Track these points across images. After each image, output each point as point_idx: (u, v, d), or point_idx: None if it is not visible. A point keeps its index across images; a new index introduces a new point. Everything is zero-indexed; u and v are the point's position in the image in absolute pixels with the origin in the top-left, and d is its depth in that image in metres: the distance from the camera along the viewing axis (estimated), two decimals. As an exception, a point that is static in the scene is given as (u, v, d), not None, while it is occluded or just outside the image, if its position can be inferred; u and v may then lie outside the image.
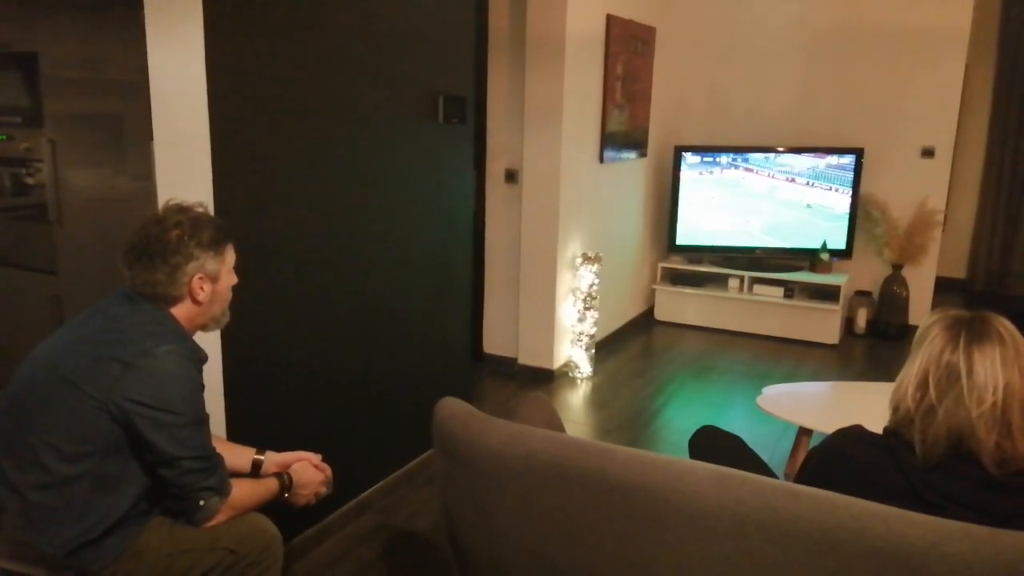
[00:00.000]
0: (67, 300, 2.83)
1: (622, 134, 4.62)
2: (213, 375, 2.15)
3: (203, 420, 1.60)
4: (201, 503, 1.59)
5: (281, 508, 1.86)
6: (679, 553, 1.41)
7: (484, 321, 4.39)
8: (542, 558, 1.58)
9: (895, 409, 1.42)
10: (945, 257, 5.49)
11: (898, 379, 1.44)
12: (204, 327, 1.73)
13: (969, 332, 1.34)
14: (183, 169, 2.08)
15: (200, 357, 1.64)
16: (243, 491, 1.69)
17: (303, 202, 2.42)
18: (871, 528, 1.24)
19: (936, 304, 5.25)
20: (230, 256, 1.71)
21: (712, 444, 2.03)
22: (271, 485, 1.79)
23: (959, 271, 6.69)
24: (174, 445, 1.52)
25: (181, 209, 1.65)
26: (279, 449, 1.98)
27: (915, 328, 5.09)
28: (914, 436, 1.35)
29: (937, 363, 1.35)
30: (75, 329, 1.62)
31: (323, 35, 2.39)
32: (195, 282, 1.62)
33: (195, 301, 1.64)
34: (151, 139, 2.12)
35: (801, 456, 2.82)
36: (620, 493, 1.44)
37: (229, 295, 1.74)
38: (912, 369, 1.39)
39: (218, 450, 1.65)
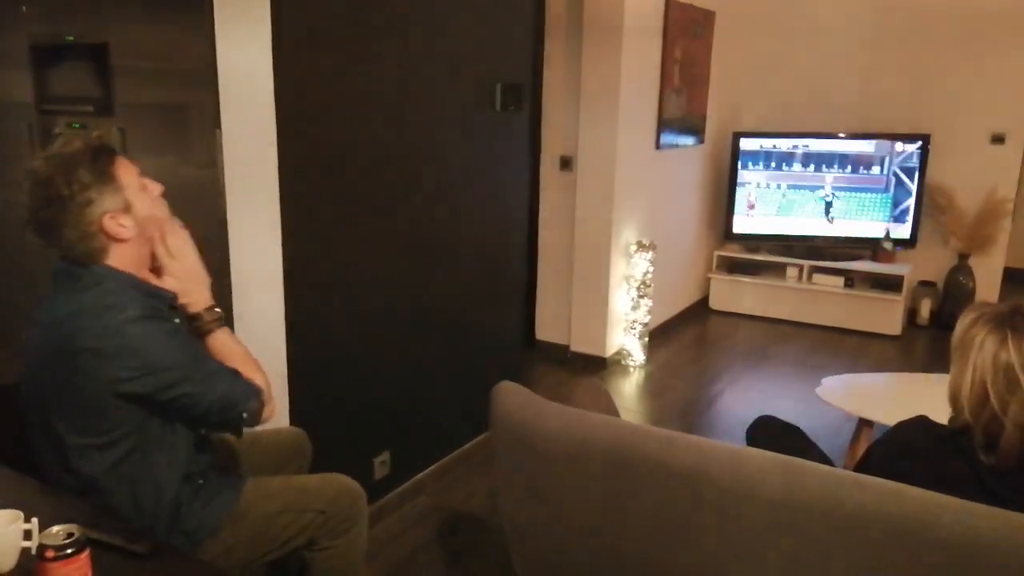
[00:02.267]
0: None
1: (679, 119, 4.56)
2: (277, 361, 2.21)
3: (196, 355, 1.50)
4: (244, 415, 1.54)
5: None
6: (740, 542, 1.40)
7: (537, 307, 4.40)
8: (599, 542, 1.59)
9: (954, 405, 1.39)
10: (1013, 247, 5.28)
11: (951, 386, 1.40)
12: (163, 256, 1.55)
13: (1016, 331, 1.31)
14: (250, 157, 2.13)
15: (155, 304, 1.49)
16: (252, 372, 1.59)
17: (364, 190, 2.46)
18: (939, 519, 1.22)
19: (1005, 296, 5.07)
20: (126, 172, 1.47)
21: (771, 434, 2.00)
22: (225, 337, 1.63)
23: (1028, 262, 6.43)
24: (186, 393, 1.46)
25: (48, 156, 1.43)
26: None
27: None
28: (979, 441, 1.32)
29: (992, 370, 1.31)
30: (40, 334, 1.49)
31: (385, 25, 2.42)
32: (107, 223, 1.42)
33: (122, 241, 1.45)
34: (217, 127, 2.18)
35: (862, 448, 2.77)
36: (680, 480, 1.44)
37: (161, 205, 1.54)
38: (964, 379, 1.35)
39: None
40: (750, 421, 2.15)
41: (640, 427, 1.52)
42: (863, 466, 1.49)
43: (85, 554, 1.10)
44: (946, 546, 1.20)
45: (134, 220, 1.46)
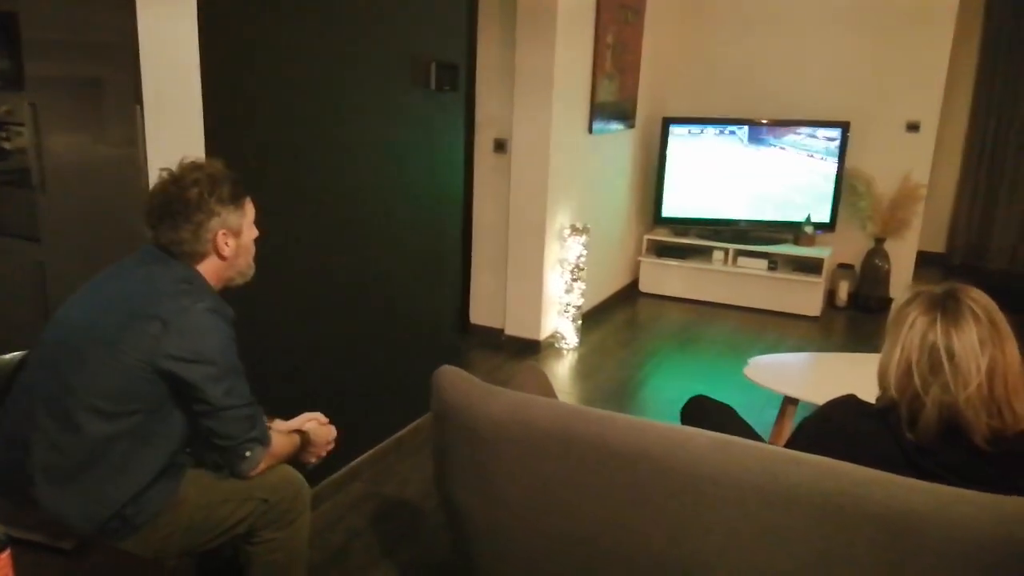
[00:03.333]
0: (51, 267, 2.78)
1: (611, 104, 4.59)
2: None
3: (240, 369, 1.64)
4: (247, 453, 1.63)
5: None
6: (679, 519, 1.42)
7: (471, 291, 4.38)
8: (542, 524, 1.60)
9: (883, 393, 1.44)
10: (925, 231, 5.55)
11: (880, 363, 1.45)
12: (231, 281, 1.74)
13: (945, 314, 1.35)
14: (174, 135, 2.04)
15: (229, 313, 1.66)
16: (280, 442, 1.73)
17: (295, 170, 2.39)
18: (872, 494, 1.26)
19: (917, 278, 5.32)
20: (250, 209, 1.73)
21: (704, 413, 2.05)
22: (296, 440, 1.83)
23: (939, 245, 6.77)
24: (221, 394, 1.56)
25: (197, 166, 1.66)
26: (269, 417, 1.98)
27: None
28: (903, 416, 1.37)
29: (919, 350, 1.35)
30: (103, 289, 1.64)
31: (315, -3, 2.34)
32: (219, 238, 1.64)
33: (221, 256, 1.66)
34: (137, 103, 2.07)
35: (786, 425, 2.87)
36: (621, 460, 1.46)
37: (252, 248, 1.76)
38: (894, 356, 1.39)
39: None
40: (680, 401, 2.19)
41: (582, 409, 1.53)
42: (793, 442, 1.54)
43: (6, 553, 1.04)
44: (878, 519, 1.25)
45: (237, 245, 1.68)
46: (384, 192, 2.81)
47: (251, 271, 1.79)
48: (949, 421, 1.33)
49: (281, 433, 1.80)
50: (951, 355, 1.32)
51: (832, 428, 1.45)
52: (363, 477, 2.86)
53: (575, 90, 4.16)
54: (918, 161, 5.12)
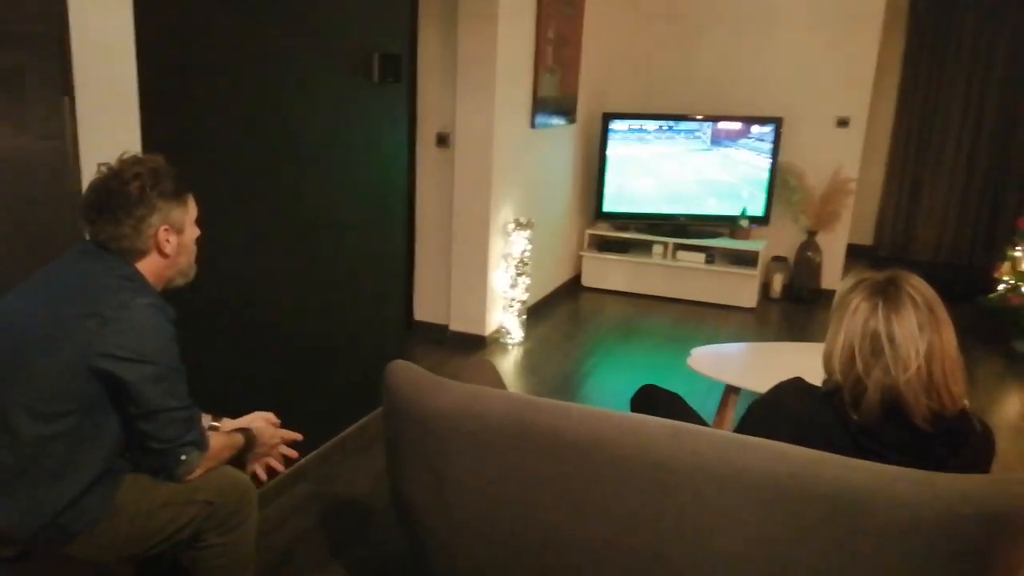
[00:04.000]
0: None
1: (553, 99, 4.61)
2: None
3: (181, 369, 1.59)
4: (183, 457, 1.58)
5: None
6: (633, 505, 1.44)
7: (415, 287, 4.34)
8: (496, 516, 1.59)
9: (828, 376, 1.48)
10: (855, 224, 5.75)
11: (825, 347, 1.50)
12: (171, 281, 1.69)
13: (886, 300, 1.40)
14: (108, 128, 1.96)
15: (171, 312, 1.60)
16: (218, 443, 1.68)
17: (235, 162, 2.32)
18: (820, 475, 1.30)
19: (847, 270, 5.51)
20: (192, 206, 1.68)
21: (654, 401, 2.08)
22: (238, 440, 1.77)
23: (867, 238, 7.01)
24: (159, 395, 1.51)
25: (138, 160, 1.60)
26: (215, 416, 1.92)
27: (827, 292, 5.34)
28: (846, 399, 1.42)
29: (861, 335, 1.40)
30: (38, 287, 1.57)
31: (253, -15, 2.28)
32: (161, 234, 1.59)
33: (162, 254, 1.61)
34: (66, 94, 1.98)
35: (728, 413, 2.94)
36: (575, 450, 1.46)
37: (194, 247, 1.71)
38: (837, 341, 1.44)
39: None
40: (626, 392, 2.22)
41: (535, 400, 1.53)
42: (743, 426, 1.57)
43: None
44: (825, 499, 1.29)
45: (179, 243, 1.63)
46: (327, 186, 2.76)
47: (192, 272, 1.74)
48: (890, 403, 1.37)
49: (221, 433, 1.75)
50: (892, 339, 1.37)
51: (780, 411, 1.49)
52: (309, 477, 2.80)
53: (517, 84, 4.16)
54: (848, 156, 5.29)
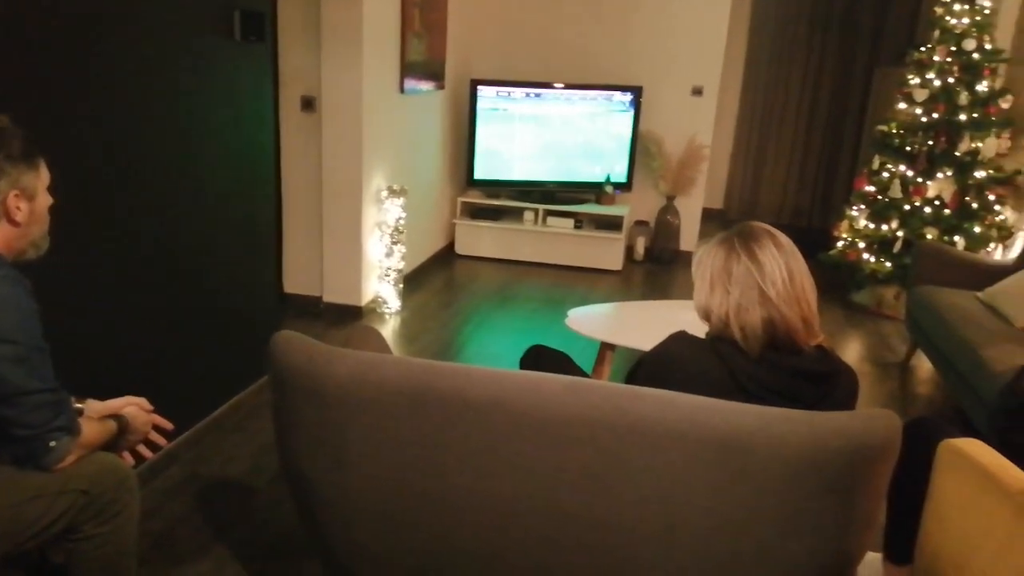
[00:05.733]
0: None
1: (421, 64, 4.54)
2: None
3: (45, 348, 1.48)
4: (52, 444, 1.46)
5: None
6: (535, 462, 1.47)
7: (284, 259, 4.18)
8: (395, 483, 1.58)
9: (708, 318, 1.58)
10: (708, 189, 6.07)
11: (696, 299, 1.61)
12: (23, 253, 1.55)
13: (742, 237, 1.54)
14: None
15: (27, 284, 1.47)
16: (91, 431, 1.56)
17: (87, 132, 2.13)
18: (708, 420, 1.38)
19: (703, 233, 5.83)
20: (44, 172, 1.56)
21: (543, 360, 2.12)
22: (111, 427, 1.66)
23: (718, 202, 7.44)
24: (21, 377, 1.39)
25: None
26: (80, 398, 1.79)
27: (686, 254, 5.63)
28: (735, 334, 1.52)
29: (727, 271, 1.53)
30: None
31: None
32: (11, 200, 1.47)
33: (12, 222, 1.49)
34: None
35: (606, 368, 3.06)
36: (476, 411, 1.47)
37: (47, 216, 1.59)
38: (705, 285, 1.57)
39: None
40: (506, 356, 2.26)
41: (435, 364, 1.52)
42: (635, 379, 1.63)
43: None
44: (714, 442, 1.37)
45: (31, 210, 1.51)
46: (189, 153, 2.59)
47: (46, 243, 1.60)
48: (772, 325, 1.49)
49: (94, 421, 1.63)
50: (757, 264, 1.50)
51: (670, 364, 1.57)
52: (182, 459, 2.67)
53: (385, 48, 4.06)
54: (702, 124, 5.56)
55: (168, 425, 1.85)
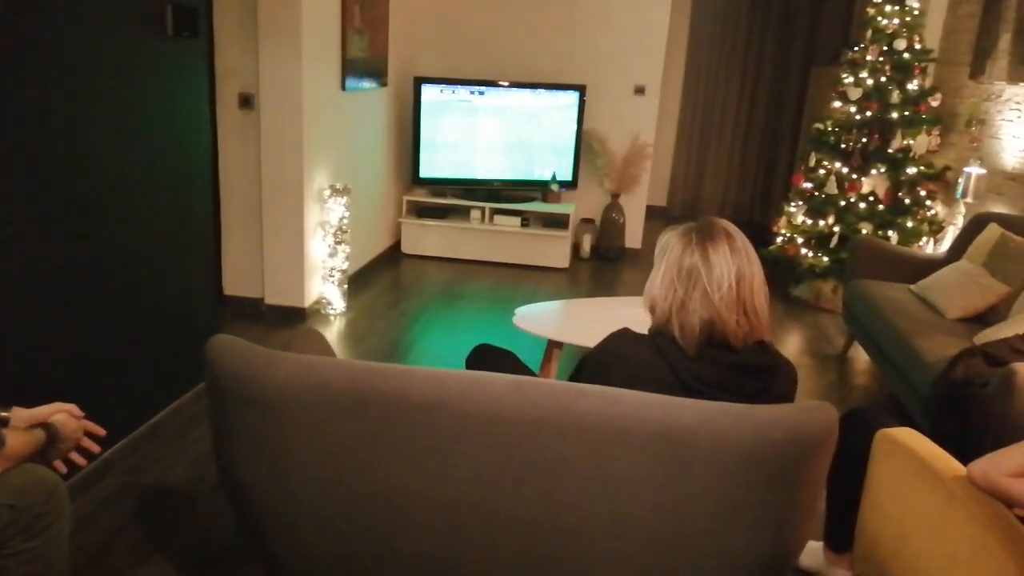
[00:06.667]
0: None
1: (363, 61, 4.48)
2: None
3: None
4: None
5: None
6: (480, 462, 1.46)
7: (223, 261, 4.08)
8: (339, 488, 1.55)
9: (653, 311, 1.60)
10: (652, 187, 6.15)
11: (647, 286, 1.62)
12: None
13: (700, 233, 1.55)
14: None
15: None
16: (17, 442, 1.48)
17: (8, 135, 2.04)
18: (650, 416, 1.39)
19: (647, 230, 5.90)
20: None
21: (488, 359, 2.11)
22: (39, 436, 1.58)
23: (662, 199, 7.54)
24: None
25: None
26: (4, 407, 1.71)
27: (631, 251, 5.68)
28: (674, 331, 1.53)
29: (679, 265, 1.54)
30: None
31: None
32: None
33: None
34: None
35: (552, 366, 3.07)
36: (420, 412, 1.45)
37: None
38: (658, 275, 1.58)
39: None
40: (453, 355, 2.25)
41: (377, 365, 1.50)
42: (578, 376, 1.64)
43: None
44: (657, 438, 1.38)
45: None
46: (120, 154, 2.51)
47: None
48: (709, 325, 1.50)
49: (20, 431, 1.56)
50: (707, 264, 1.51)
51: (612, 361, 1.57)
52: (118, 469, 2.58)
53: (325, 44, 4.00)
54: (645, 123, 5.63)
55: (100, 431, 1.78)
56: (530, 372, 2.11)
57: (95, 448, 1.77)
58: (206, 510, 2.42)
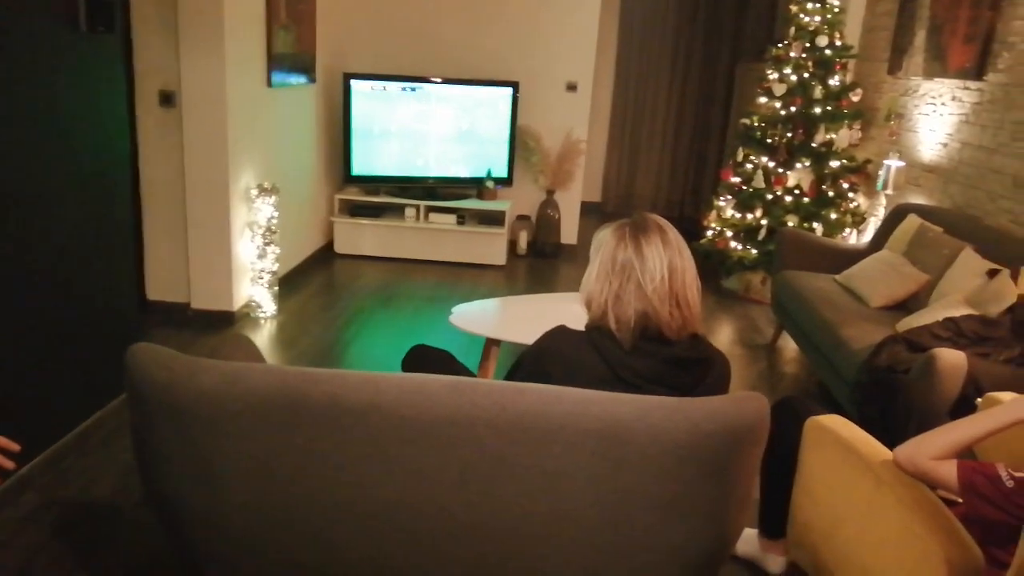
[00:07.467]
0: None
1: (290, 56, 4.37)
2: None
3: None
4: None
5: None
6: (418, 464, 1.43)
7: (145, 264, 3.93)
8: (270, 497, 1.50)
9: (589, 306, 1.60)
10: (586, 183, 6.19)
11: (583, 282, 1.62)
12: None
13: (633, 228, 1.56)
14: None
15: None
16: None
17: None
18: (587, 412, 1.38)
19: (583, 226, 5.93)
20: None
21: (425, 360, 2.08)
22: None
23: (596, 195, 7.61)
24: None
25: None
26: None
27: (567, 247, 5.71)
28: (610, 324, 1.53)
29: (613, 259, 1.55)
30: None
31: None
32: None
33: None
34: None
35: (491, 364, 3.05)
36: (354, 417, 1.42)
37: None
38: (593, 269, 1.59)
39: None
40: (389, 357, 2.21)
41: (307, 370, 1.46)
42: (515, 375, 1.63)
43: None
44: (595, 433, 1.38)
45: None
46: (33, 154, 2.38)
47: None
48: (644, 317, 1.51)
49: None
50: (640, 258, 1.52)
51: (549, 358, 1.56)
52: (37, 484, 2.45)
53: (249, 40, 3.88)
54: (578, 119, 5.66)
55: (14, 447, 1.68)
56: (468, 372, 2.09)
57: (10, 465, 1.67)
58: (132, 523, 2.32)
